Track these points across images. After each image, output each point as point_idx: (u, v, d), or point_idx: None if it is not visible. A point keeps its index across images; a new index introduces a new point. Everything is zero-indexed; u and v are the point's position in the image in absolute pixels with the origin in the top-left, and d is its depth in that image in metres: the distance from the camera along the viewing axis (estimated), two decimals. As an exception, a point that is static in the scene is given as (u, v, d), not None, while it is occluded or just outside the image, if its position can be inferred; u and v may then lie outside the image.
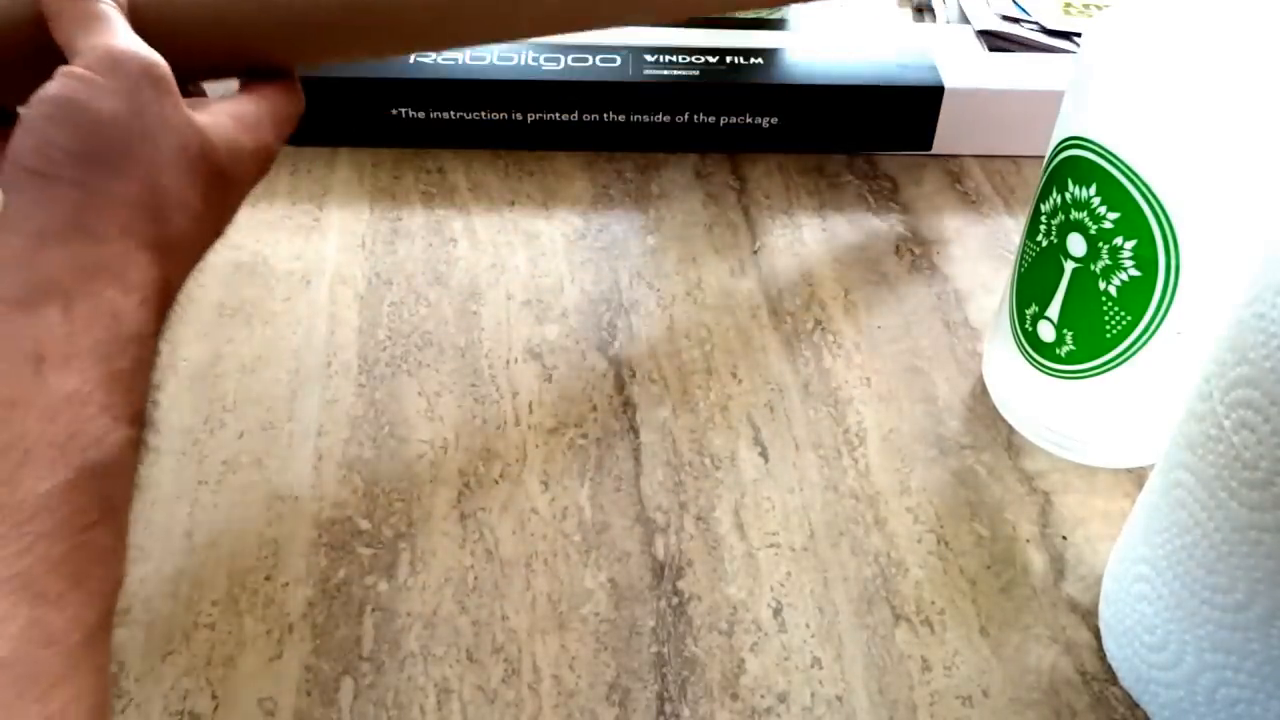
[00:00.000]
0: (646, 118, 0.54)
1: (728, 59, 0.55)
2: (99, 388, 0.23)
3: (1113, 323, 0.35)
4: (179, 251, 0.28)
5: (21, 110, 0.27)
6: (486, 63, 0.54)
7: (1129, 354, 0.36)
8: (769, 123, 0.54)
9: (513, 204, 0.51)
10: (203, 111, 0.29)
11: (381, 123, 0.53)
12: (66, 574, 0.20)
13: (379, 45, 0.36)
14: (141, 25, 0.29)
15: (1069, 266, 0.36)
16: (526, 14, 0.36)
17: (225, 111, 0.30)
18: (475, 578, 0.36)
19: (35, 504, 0.20)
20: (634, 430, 0.41)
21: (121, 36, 0.27)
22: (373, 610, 0.34)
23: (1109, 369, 0.36)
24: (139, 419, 0.24)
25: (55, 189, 0.25)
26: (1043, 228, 0.37)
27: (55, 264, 0.24)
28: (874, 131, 0.54)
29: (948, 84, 0.54)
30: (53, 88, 0.26)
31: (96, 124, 0.26)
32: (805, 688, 0.33)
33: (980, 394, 0.42)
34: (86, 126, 0.26)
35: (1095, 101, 0.33)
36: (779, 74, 0.54)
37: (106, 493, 0.22)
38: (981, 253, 0.49)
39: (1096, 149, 0.33)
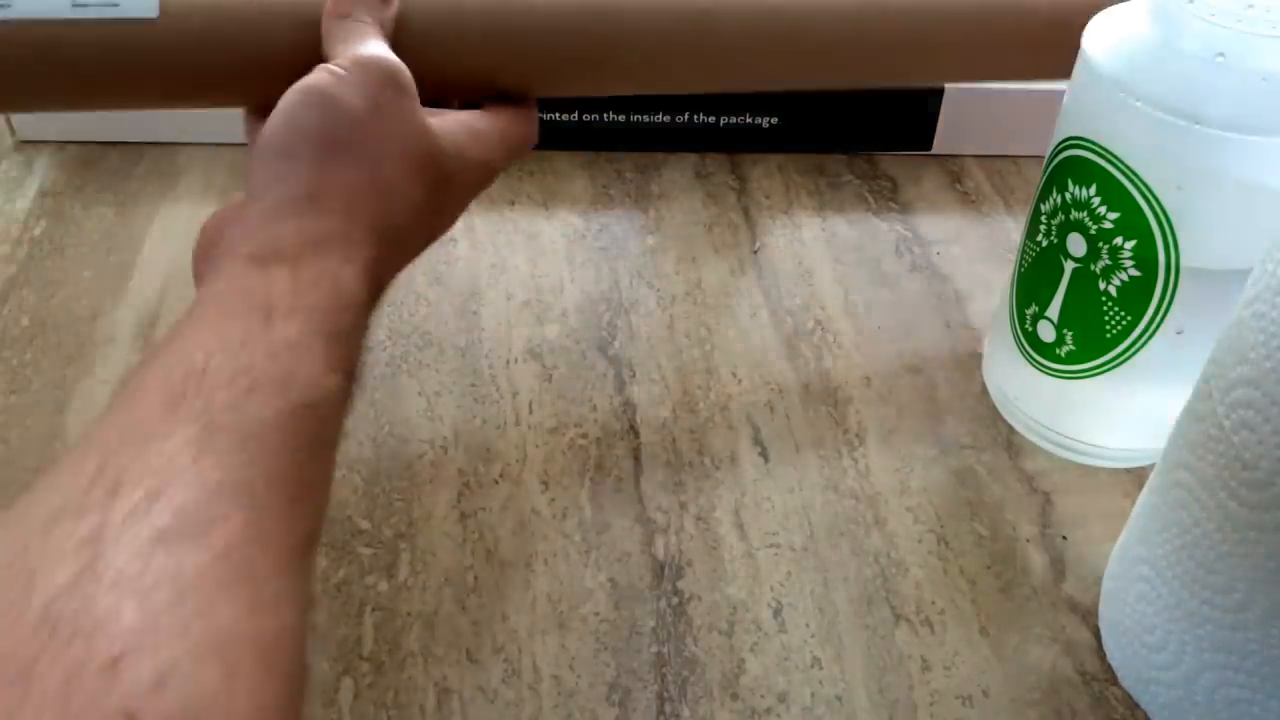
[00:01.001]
0: (646, 118, 0.54)
1: (728, 59, 0.55)
2: (317, 339, 0.25)
3: (1113, 323, 0.35)
4: (397, 236, 0.30)
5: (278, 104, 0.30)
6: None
7: (1129, 354, 0.36)
8: (769, 123, 0.54)
9: (513, 204, 0.51)
10: (439, 118, 0.32)
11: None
12: (280, 491, 0.22)
13: (611, 84, 0.40)
14: (400, 49, 0.32)
15: (1069, 266, 0.36)
16: (767, 64, 0.39)
17: (460, 121, 0.33)
18: (475, 578, 0.36)
19: (259, 426, 0.23)
20: (634, 430, 0.40)
21: (374, 46, 0.31)
22: (373, 610, 0.34)
23: (1109, 369, 0.36)
24: (351, 374, 0.27)
25: (295, 166, 0.28)
26: (1043, 228, 0.37)
27: (288, 232, 0.27)
28: (874, 131, 0.54)
29: (948, 84, 0.54)
30: (308, 78, 0.29)
31: (338, 113, 0.29)
32: (805, 688, 0.33)
33: (980, 394, 0.42)
34: (329, 114, 0.29)
35: (1095, 101, 0.33)
36: (779, 74, 0.54)
37: (317, 430, 0.24)
38: (981, 253, 0.49)
39: (1096, 149, 0.33)
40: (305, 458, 0.24)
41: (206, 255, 0.29)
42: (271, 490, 0.22)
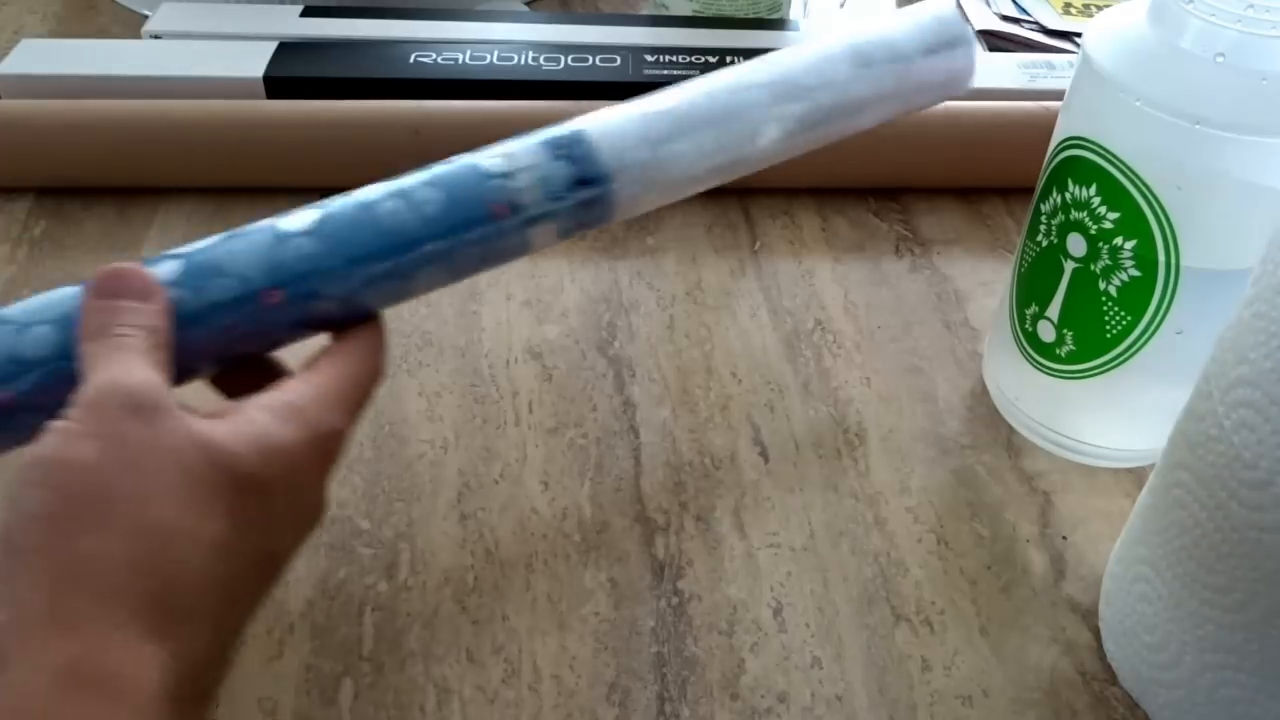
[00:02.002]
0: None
1: (728, 59, 0.55)
2: None
3: (1113, 323, 0.35)
4: (204, 601, 0.23)
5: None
6: (486, 63, 0.54)
7: (1129, 354, 0.36)
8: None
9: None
10: (220, 418, 0.25)
11: (382, 123, 0.53)
12: None
13: None
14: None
15: (1069, 266, 0.36)
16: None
17: (255, 407, 0.26)
18: (475, 578, 0.36)
19: None
20: (634, 430, 0.41)
21: (118, 368, 0.24)
22: (373, 610, 0.34)
23: (1109, 369, 0.36)
24: None
25: (21, 562, 0.22)
26: (1043, 228, 0.37)
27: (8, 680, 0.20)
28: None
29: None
30: (30, 450, 0.23)
31: (69, 476, 0.23)
32: (805, 688, 0.33)
33: (980, 394, 0.42)
34: (60, 482, 0.23)
35: (1095, 101, 0.33)
36: (779, 74, 0.54)
37: None
38: (981, 253, 0.49)
39: (1097, 149, 0.33)
40: None
41: None
42: None
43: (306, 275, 0.29)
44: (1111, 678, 0.33)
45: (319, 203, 0.30)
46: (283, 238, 0.29)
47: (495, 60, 0.54)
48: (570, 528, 0.37)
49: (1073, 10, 0.64)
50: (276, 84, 0.52)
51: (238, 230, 0.30)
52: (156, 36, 0.56)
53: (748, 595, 0.35)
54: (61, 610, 0.21)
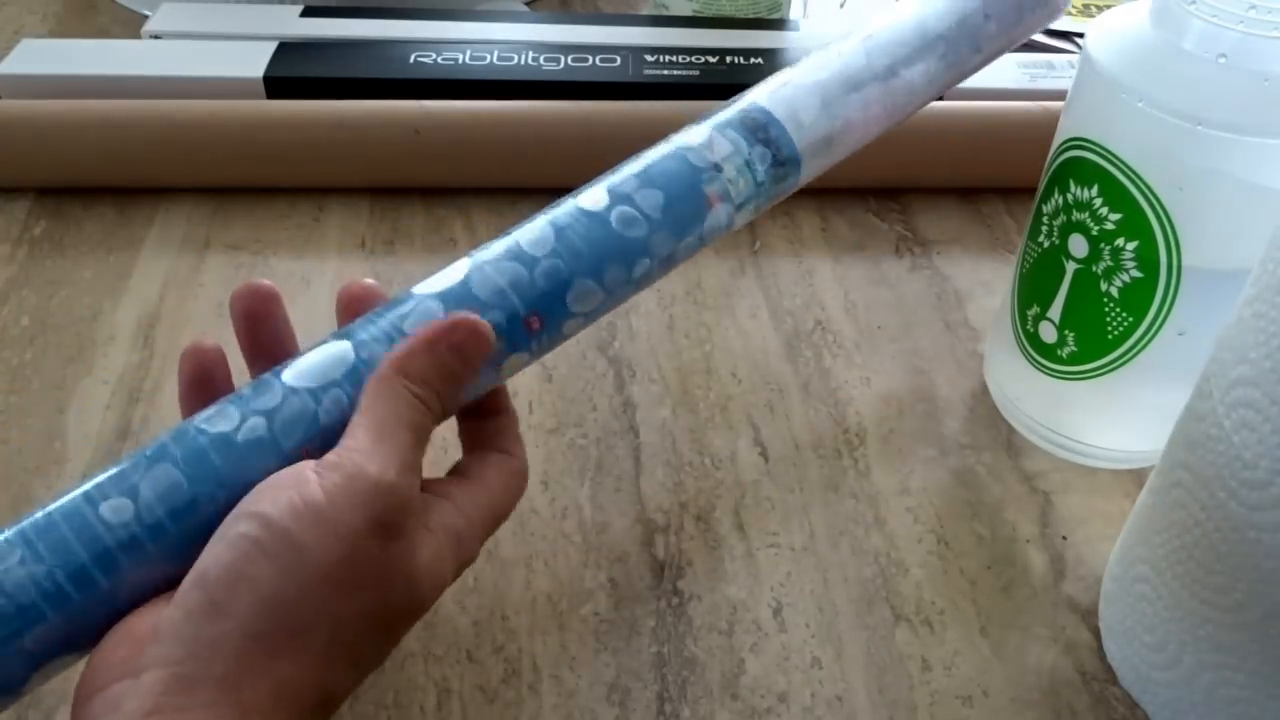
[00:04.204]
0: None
1: (728, 59, 0.55)
2: None
3: (1114, 324, 0.35)
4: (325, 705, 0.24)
5: (243, 505, 0.24)
6: (486, 63, 0.54)
7: (1131, 355, 0.36)
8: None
9: (514, 203, 0.51)
10: (429, 540, 0.25)
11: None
12: None
13: None
14: None
15: (1071, 267, 0.36)
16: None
17: (450, 528, 0.26)
18: (475, 578, 0.35)
19: None
20: (634, 430, 0.40)
21: (389, 451, 0.24)
22: (373, 610, 0.34)
23: (1110, 370, 0.36)
24: None
25: (223, 631, 0.22)
26: (1044, 228, 0.37)
27: None
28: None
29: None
30: (282, 501, 0.23)
31: (301, 571, 0.23)
32: (805, 688, 0.33)
33: (980, 394, 0.42)
34: (287, 568, 0.23)
35: (1097, 102, 0.33)
36: (779, 74, 0.54)
37: None
38: (981, 253, 0.49)
39: (1098, 150, 0.33)
40: None
41: (87, 704, 0.22)
42: None
43: (558, 295, 0.29)
44: (1111, 678, 0.33)
45: (538, 217, 0.30)
46: (530, 262, 0.29)
47: (495, 60, 0.54)
48: (570, 528, 0.37)
49: (1073, 10, 0.64)
50: (276, 84, 0.52)
51: (478, 253, 0.29)
52: (156, 36, 0.56)
53: (748, 595, 0.35)
54: (243, 698, 0.22)
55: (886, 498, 0.38)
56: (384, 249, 0.48)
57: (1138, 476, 0.39)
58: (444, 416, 0.27)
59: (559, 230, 0.29)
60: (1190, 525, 0.29)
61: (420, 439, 0.26)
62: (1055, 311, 0.37)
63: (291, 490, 0.23)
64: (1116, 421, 0.39)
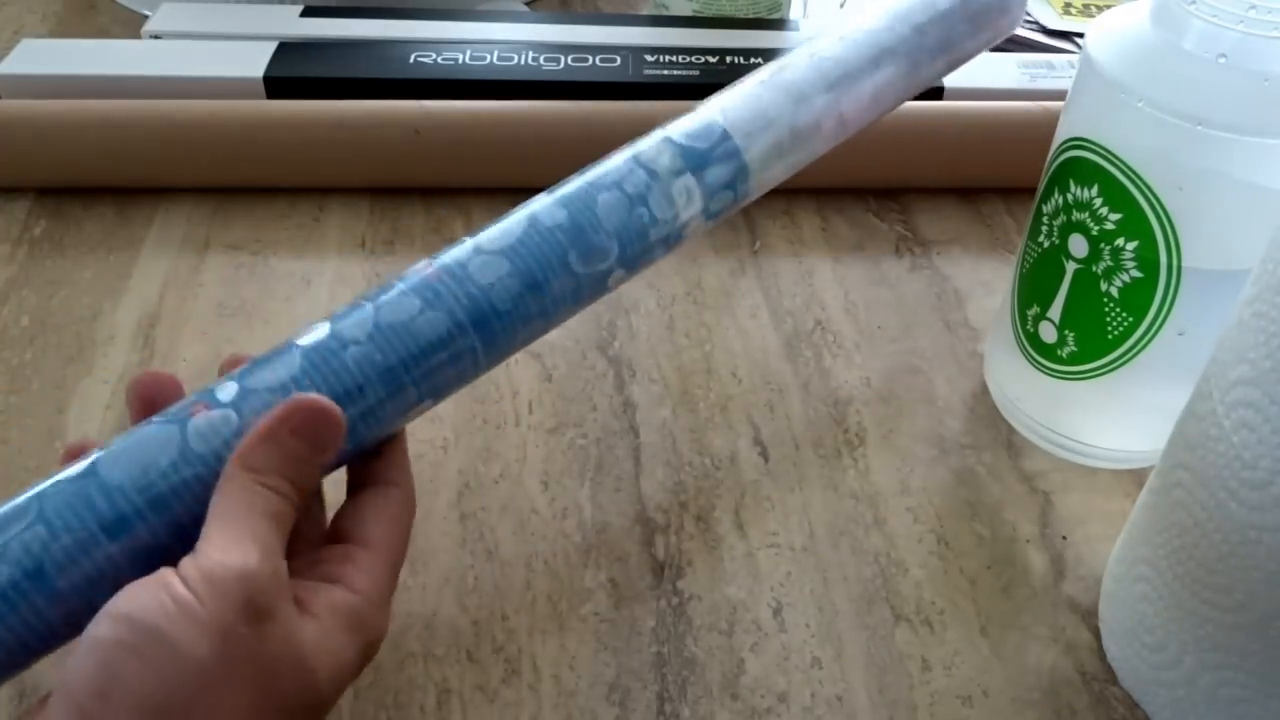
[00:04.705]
0: (647, 118, 0.54)
1: (728, 59, 0.55)
2: None
3: (1114, 324, 0.35)
4: None
5: (94, 626, 0.22)
6: (486, 63, 0.54)
7: (1131, 355, 0.36)
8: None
9: (514, 203, 0.51)
10: (314, 620, 0.25)
11: (382, 122, 0.53)
12: None
13: None
14: None
15: (1071, 267, 0.36)
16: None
17: (329, 610, 0.25)
18: (475, 578, 0.35)
19: None
20: (634, 430, 0.40)
21: (249, 546, 0.23)
22: (373, 610, 0.34)
23: (1110, 370, 0.36)
24: None
25: None
26: (1044, 228, 0.37)
27: None
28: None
29: (947, 84, 0.54)
30: (136, 604, 0.22)
31: (175, 669, 0.22)
32: (805, 688, 0.33)
33: (980, 394, 0.42)
34: (161, 668, 0.22)
35: (1097, 102, 0.33)
36: (779, 74, 0.54)
37: None
38: (981, 253, 0.49)
39: (1098, 150, 0.33)
40: None
41: None
42: None
43: (502, 321, 0.29)
44: (1111, 678, 0.33)
45: (486, 234, 0.30)
46: (483, 289, 0.29)
47: (495, 60, 0.54)
48: (570, 528, 0.37)
49: (1073, 10, 0.64)
50: (276, 84, 0.52)
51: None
52: (156, 36, 0.56)
53: (748, 595, 0.35)
54: None
55: (886, 498, 0.38)
56: (384, 249, 0.48)
57: (1138, 476, 0.39)
58: (305, 495, 0.26)
59: (514, 267, 0.29)
60: (1190, 525, 0.29)
61: (279, 524, 0.25)
62: (1055, 311, 0.37)
63: (156, 589, 0.22)
64: (1116, 421, 0.39)
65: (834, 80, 0.35)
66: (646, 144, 0.32)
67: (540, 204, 0.31)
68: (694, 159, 0.32)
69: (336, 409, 0.26)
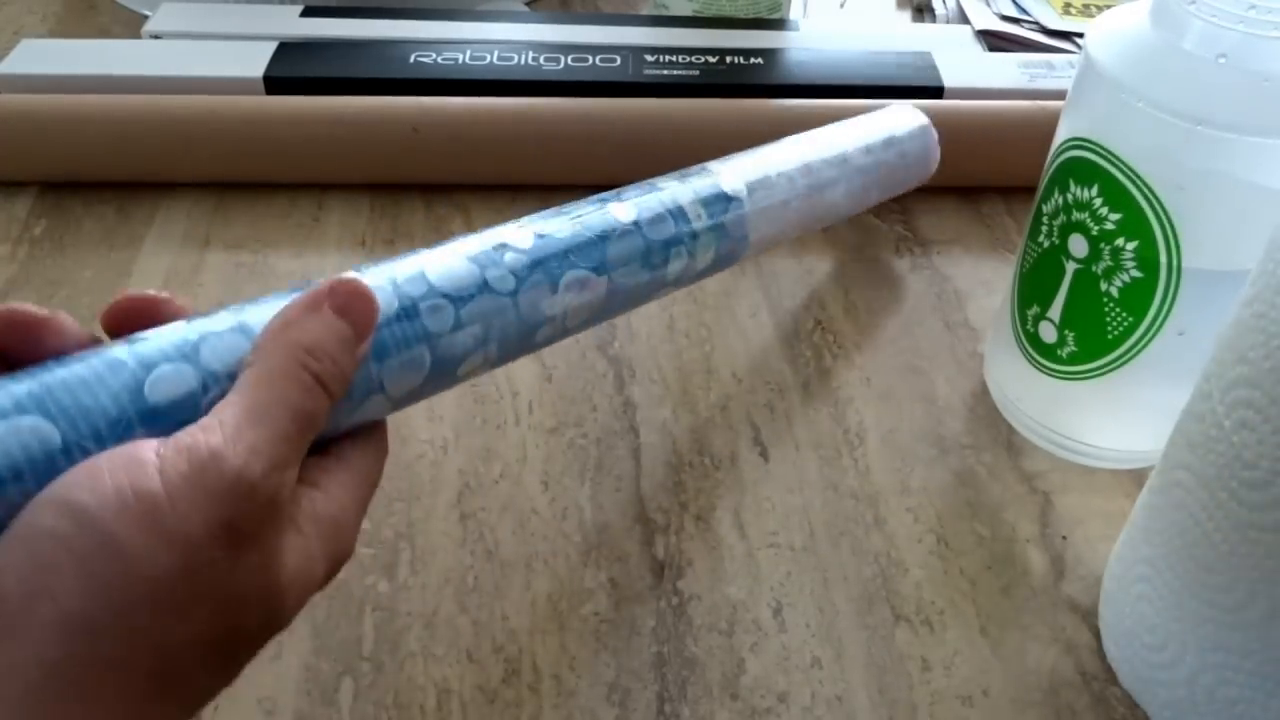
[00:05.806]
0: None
1: (728, 59, 0.55)
2: None
3: (1114, 324, 0.35)
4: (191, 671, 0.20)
5: (52, 489, 0.18)
6: (486, 63, 0.54)
7: (1131, 355, 0.36)
8: (769, 123, 0.54)
9: (513, 200, 0.51)
10: (297, 537, 0.21)
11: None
12: None
13: None
14: None
15: (1070, 267, 0.36)
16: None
17: (310, 521, 0.22)
18: (475, 578, 0.35)
19: None
20: (634, 430, 0.40)
21: (259, 446, 0.19)
22: (373, 610, 0.34)
23: (1110, 370, 0.36)
24: None
25: (5, 663, 0.17)
26: (1044, 228, 0.37)
27: None
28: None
29: (947, 84, 0.54)
30: (105, 488, 0.18)
31: (120, 590, 0.18)
32: (805, 688, 0.33)
33: (980, 394, 0.42)
34: (105, 587, 0.18)
35: (1097, 102, 0.33)
36: (779, 74, 0.55)
37: None
38: (981, 253, 0.49)
39: (1098, 150, 0.33)
40: None
41: None
42: None
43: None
44: (1111, 678, 0.33)
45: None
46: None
47: (495, 60, 0.54)
48: (570, 528, 0.37)
49: (1073, 10, 0.64)
50: (276, 84, 0.52)
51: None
52: (156, 36, 0.56)
53: (748, 595, 0.35)
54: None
55: (886, 498, 0.38)
56: (384, 246, 0.48)
57: (1138, 476, 0.39)
58: (336, 402, 0.22)
59: (492, 350, 0.29)
60: (1190, 525, 0.29)
61: (306, 432, 0.21)
62: (1055, 311, 0.37)
63: (121, 475, 0.18)
64: (1116, 421, 0.39)
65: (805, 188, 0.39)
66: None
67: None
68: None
69: (372, 292, 0.23)
